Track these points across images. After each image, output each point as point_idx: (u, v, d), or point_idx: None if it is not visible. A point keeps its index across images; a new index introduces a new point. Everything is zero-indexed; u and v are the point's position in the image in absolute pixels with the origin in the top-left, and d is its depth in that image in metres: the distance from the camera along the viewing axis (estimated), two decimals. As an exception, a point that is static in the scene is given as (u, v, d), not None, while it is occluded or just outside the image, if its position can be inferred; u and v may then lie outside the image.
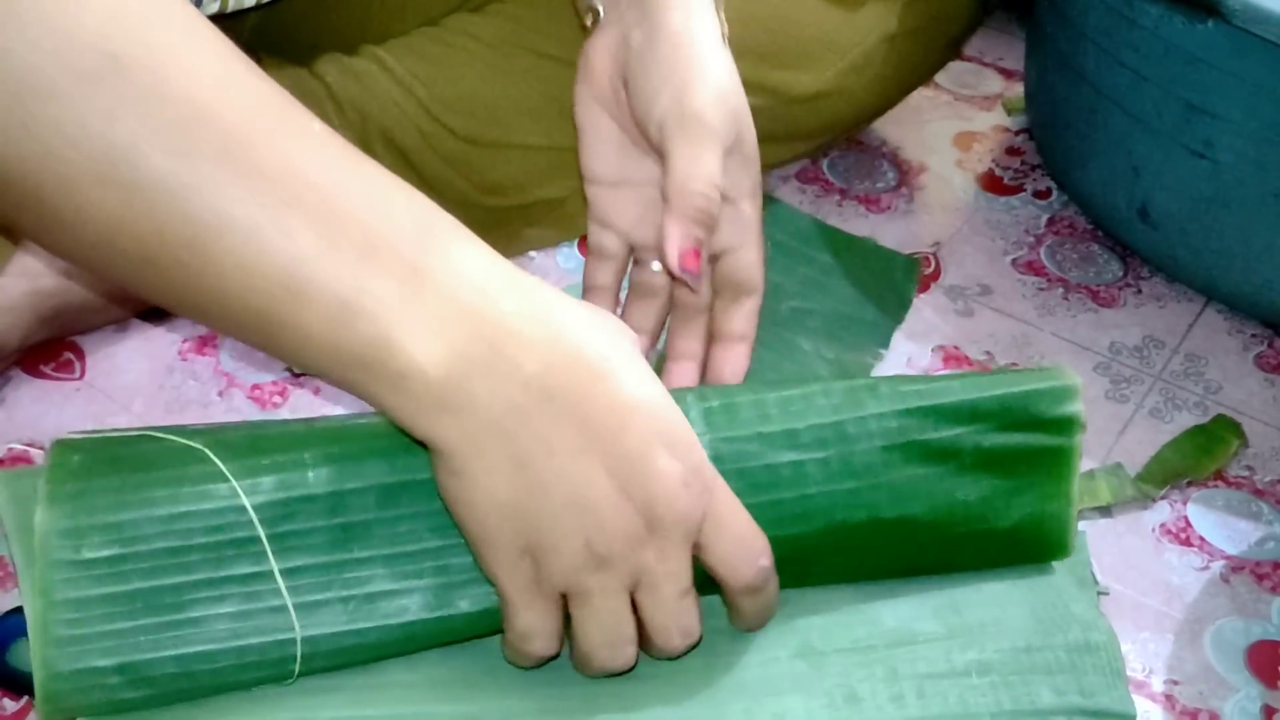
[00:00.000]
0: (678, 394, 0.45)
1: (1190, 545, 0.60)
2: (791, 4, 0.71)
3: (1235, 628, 0.57)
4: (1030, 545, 0.50)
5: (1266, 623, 0.57)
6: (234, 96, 0.37)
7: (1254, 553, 0.60)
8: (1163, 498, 0.62)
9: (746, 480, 0.46)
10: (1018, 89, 0.89)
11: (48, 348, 0.64)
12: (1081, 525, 0.56)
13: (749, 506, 0.45)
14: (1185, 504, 0.62)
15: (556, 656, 0.44)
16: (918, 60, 0.78)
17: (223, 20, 0.68)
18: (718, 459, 0.45)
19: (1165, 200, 0.71)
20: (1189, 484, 0.63)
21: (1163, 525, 0.61)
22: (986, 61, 0.92)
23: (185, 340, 0.66)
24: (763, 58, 0.71)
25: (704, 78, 0.55)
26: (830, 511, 0.48)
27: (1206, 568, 0.59)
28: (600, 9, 0.58)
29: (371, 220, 0.38)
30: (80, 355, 0.65)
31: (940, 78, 0.87)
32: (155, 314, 0.66)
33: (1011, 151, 0.85)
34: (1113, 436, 0.65)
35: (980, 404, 0.48)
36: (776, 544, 0.45)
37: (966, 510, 0.49)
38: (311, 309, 0.37)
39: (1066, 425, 0.49)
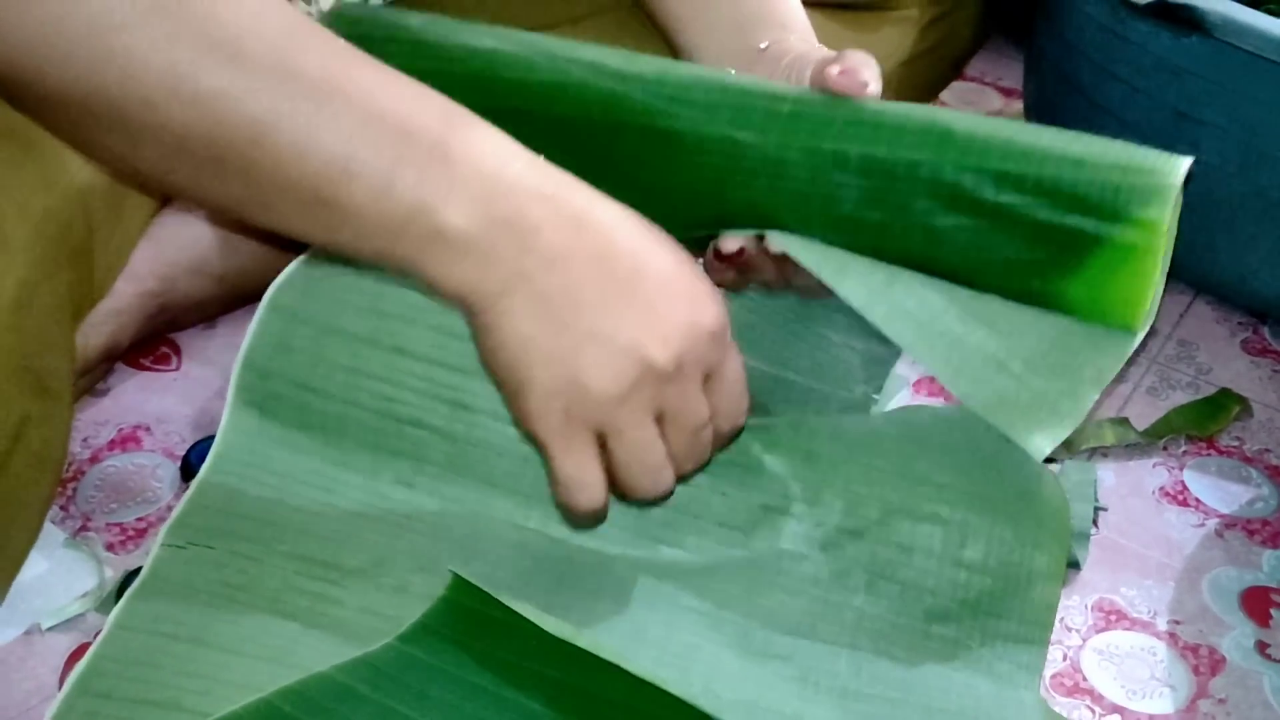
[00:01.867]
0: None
1: (1187, 505, 0.67)
2: (817, 30, 0.78)
3: (1230, 575, 0.63)
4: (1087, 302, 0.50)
5: (1258, 571, 0.64)
6: (274, 18, 0.43)
7: (1245, 511, 0.67)
8: (1164, 448, 0.69)
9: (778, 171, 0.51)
10: (1016, 105, 0.96)
11: (147, 344, 0.70)
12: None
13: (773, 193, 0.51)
14: (1182, 470, 0.69)
15: (604, 517, 0.49)
16: (928, 80, 0.85)
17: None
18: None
19: (1157, 201, 0.77)
20: (1185, 451, 0.70)
21: (1162, 488, 0.68)
22: (987, 81, 1.00)
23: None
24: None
25: None
26: (857, 234, 0.52)
27: (1202, 525, 0.66)
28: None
29: (404, 109, 0.44)
30: (176, 350, 0.71)
31: (945, 95, 0.94)
32: (240, 311, 0.73)
33: (1013, 162, 0.92)
34: (1114, 412, 0.72)
35: (1054, 178, 0.49)
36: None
37: (1008, 268, 0.50)
38: (357, 184, 0.43)
39: (1146, 227, 0.49)
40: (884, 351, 0.74)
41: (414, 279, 0.45)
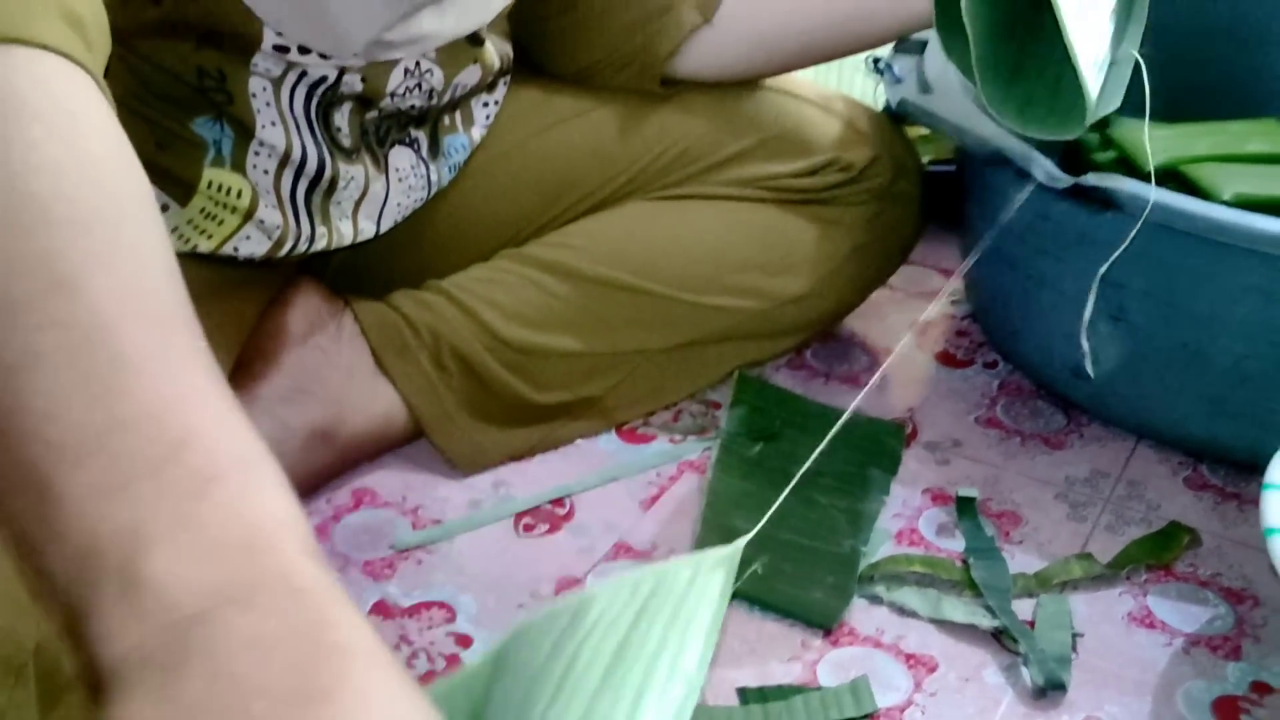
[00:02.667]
0: None
1: (1154, 628, 0.74)
2: (781, 222, 0.88)
3: (1200, 687, 0.70)
4: None
5: (1225, 681, 0.70)
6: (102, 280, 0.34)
7: (1206, 629, 0.74)
8: (1127, 578, 0.76)
9: None
10: (957, 284, 1.07)
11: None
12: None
13: None
14: (1146, 596, 0.76)
15: None
16: (878, 266, 0.95)
17: (304, 264, 0.83)
18: None
19: (1095, 359, 0.87)
20: (1146, 580, 0.77)
21: (1130, 614, 0.74)
22: (928, 264, 1.10)
23: (301, 531, 0.78)
24: (761, 268, 0.87)
25: None
26: None
27: (1170, 644, 0.73)
28: None
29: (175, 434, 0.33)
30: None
31: (894, 280, 1.03)
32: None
33: (960, 333, 1.01)
34: (1079, 549, 0.79)
35: None
36: None
37: None
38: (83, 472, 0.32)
39: None
40: (868, 508, 0.82)
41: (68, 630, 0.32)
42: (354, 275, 0.87)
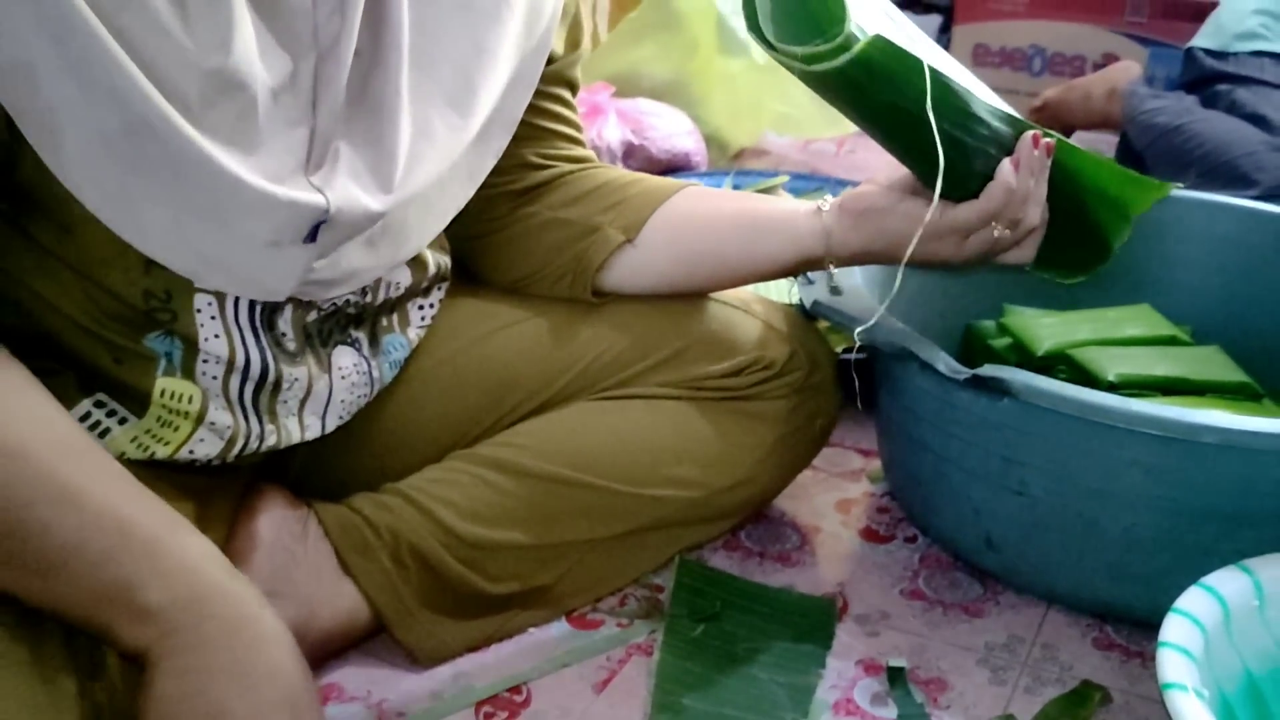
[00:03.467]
0: None
1: (1074, 781, 0.80)
2: (711, 418, 0.95)
3: (1119, 836, 0.76)
4: None
5: (1140, 829, 0.76)
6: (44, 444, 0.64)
7: (1121, 780, 0.80)
8: (1045, 738, 0.82)
9: None
10: (875, 463, 1.15)
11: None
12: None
13: None
14: (1064, 752, 0.82)
15: None
16: (801, 450, 1.03)
17: (268, 469, 0.89)
18: None
19: (1002, 531, 0.95)
20: (1064, 737, 0.83)
21: (1051, 770, 0.81)
22: (848, 445, 1.18)
23: None
24: (694, 460, 0.94)
25: None
26: None
27: (1089, 796, 0.79)
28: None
29: (127, 512, 0.66)
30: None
31: (817, 461, 1.11)
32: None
33: (881, 510, 1.09)
34: (1001, 710, 0.86)
35: None
36: None
37: None
38: (78, 561, 0.63)
39: None
40: (806, 681, 0.87)
41: (104, 638, 0.64)
42: (315, 477, 0.93)
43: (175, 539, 0.65)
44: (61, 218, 0.71)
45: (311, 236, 0.73)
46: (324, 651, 0.87)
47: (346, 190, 0.74)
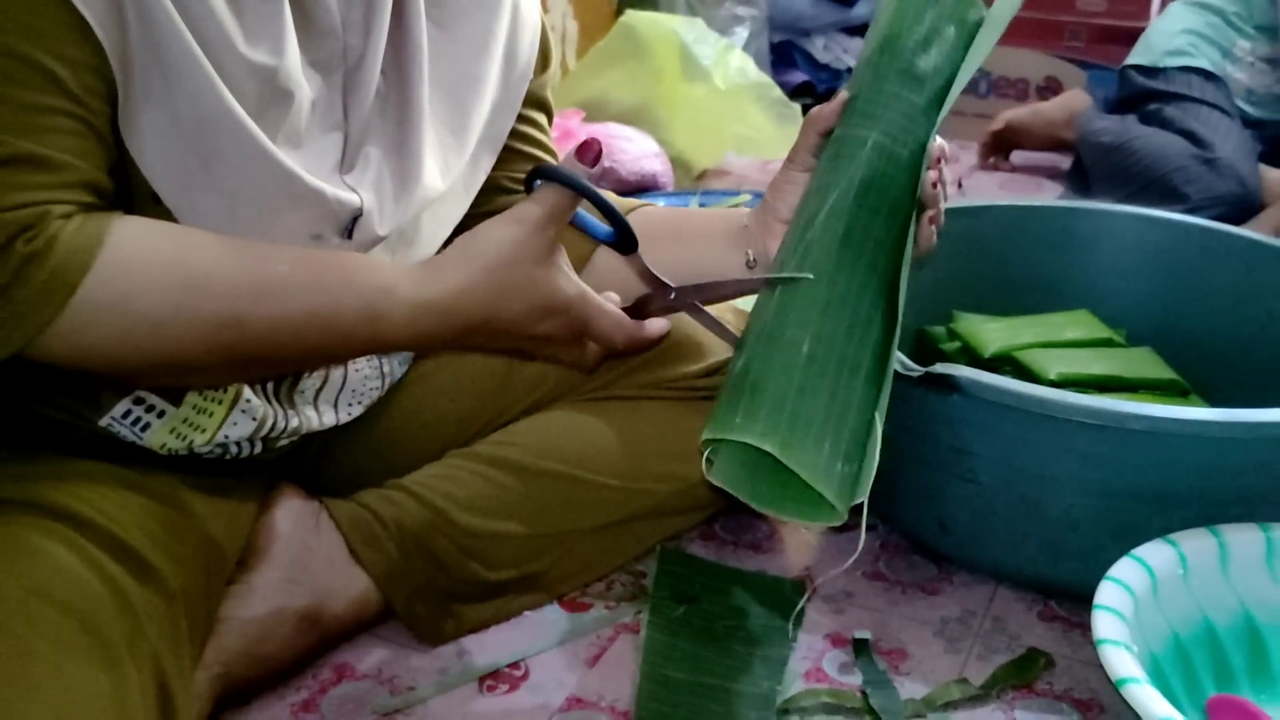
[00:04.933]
0: None
1: (1021, 735, 0.89)
2: (689, 416, 1.03)
3: (1061, 780, 0.85)
4: None
5: (1080, 774, 0.85)
6: (242, 267, 0.73)
7: (1063, 734, 0.89)
8: (997, 697, 0.91)
9: None
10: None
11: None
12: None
13: None
14: (1014, 711, 0.91)
15: None
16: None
17: (283, 469, 0.96)
18: None
19: (954, 515, 1.04)
20: (1012, 698, 0.92)
21: (1001, 726, 0.90)
22: (812, 443, 1.27)
23: (293, 706, 0.89)
24: (675, 456, 1.03)
25: None
26: None
27: (1035, 748, 0.88)
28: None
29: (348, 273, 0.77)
30: (221, 724, 0.87)
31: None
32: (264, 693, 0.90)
33: (844, 502, 1.18)
34: (956, 676, 0.94)
35: None
36: None
37: None
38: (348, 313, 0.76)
39: None
40: (779, 654, 0.96)
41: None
42: (324, 475, 1.00)
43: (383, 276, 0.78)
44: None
45: (348, 233, 0.82)
46: (336, 635, 0.94)
47: (379, 190, 0.83)
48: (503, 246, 0.79)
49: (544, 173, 0.81)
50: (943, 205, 0.90)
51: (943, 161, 0.90)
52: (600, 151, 0.82)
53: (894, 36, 0.91)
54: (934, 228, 0.90)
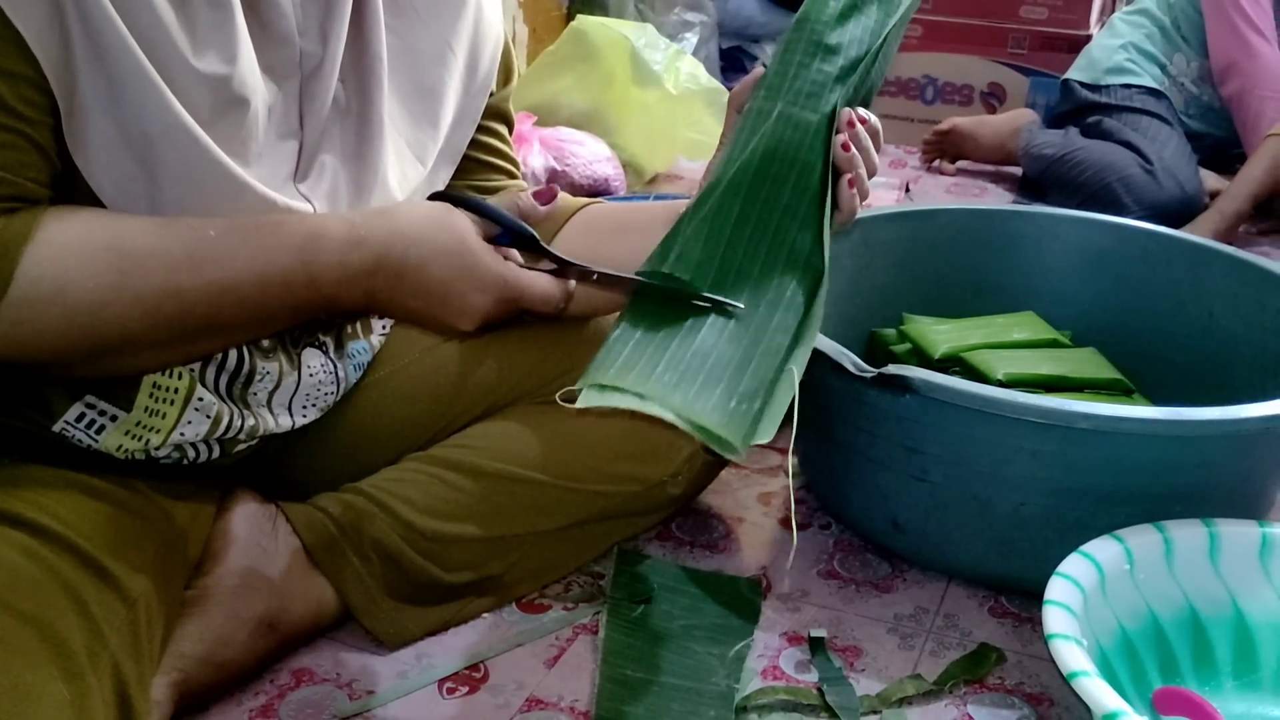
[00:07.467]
0: None
1: (975, 729, 0.91)
2: (644, 421, 1.04)
3: (1014, 772, 0.87)
4: None
5: (1032, 766, 0.87)
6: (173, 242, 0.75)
7: (1015, 727, 0.91)
8: (950, 692, 0.93)
9: None
10: (792, 459, 1.25)
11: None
12: None
13: None
14: (966, 705, 0.93)
15: None
16: (713, 469, 1.12)
17: (238, 475, 0.96)
18: None
19: (907, 514, 1.06)
20: (965, 693, 0.94)
21: (954, 720, 0.92)
22: (767, 445, 1.28)
23: (251, 711, 0.89)
24: (630, 458, 1.03)
25: None
26: None
27: (988, 741, 0.90)
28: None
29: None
30: (179, 731, 0.87)
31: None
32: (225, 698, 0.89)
33: (799, 501, 1.20)
34: (910, 671, 0.96)
35: None
36: None
37: None
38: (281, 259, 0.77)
39: None
40: (737, 652, 0.97)
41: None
42: (280, 479, 1.00)
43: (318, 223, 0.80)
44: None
45: None
46: (294, 639, 0.94)
47: (333, 199, 0.83)
48: (433, 208, 0.84)
49: (444, 198, 0.88)
50: (862, 170, 0.88)
51: (858, 125, 0.88)
52: (555, 197, 0.91)
53: (807, 13, 0.92)
54: (853, 191, 0.88)
